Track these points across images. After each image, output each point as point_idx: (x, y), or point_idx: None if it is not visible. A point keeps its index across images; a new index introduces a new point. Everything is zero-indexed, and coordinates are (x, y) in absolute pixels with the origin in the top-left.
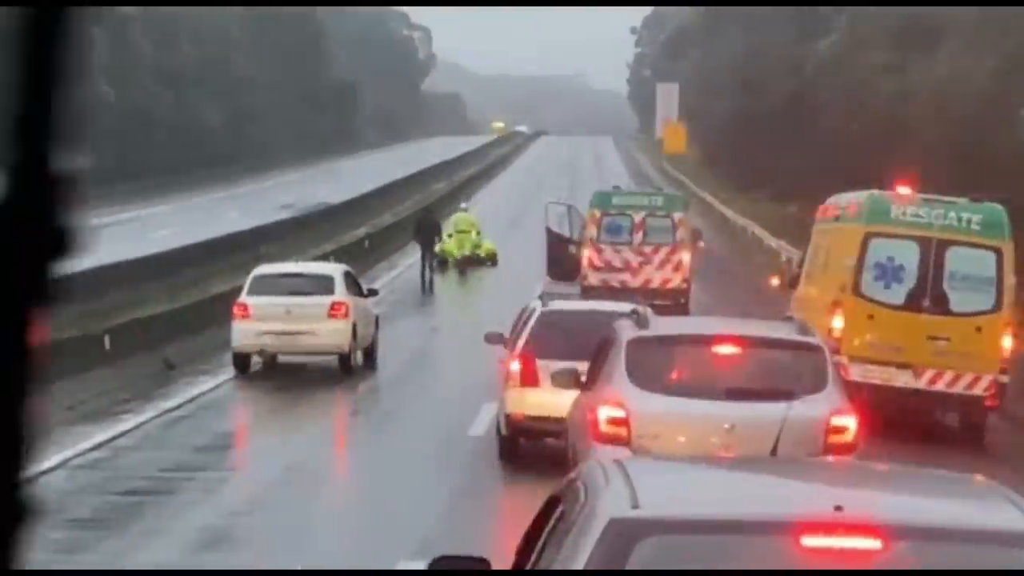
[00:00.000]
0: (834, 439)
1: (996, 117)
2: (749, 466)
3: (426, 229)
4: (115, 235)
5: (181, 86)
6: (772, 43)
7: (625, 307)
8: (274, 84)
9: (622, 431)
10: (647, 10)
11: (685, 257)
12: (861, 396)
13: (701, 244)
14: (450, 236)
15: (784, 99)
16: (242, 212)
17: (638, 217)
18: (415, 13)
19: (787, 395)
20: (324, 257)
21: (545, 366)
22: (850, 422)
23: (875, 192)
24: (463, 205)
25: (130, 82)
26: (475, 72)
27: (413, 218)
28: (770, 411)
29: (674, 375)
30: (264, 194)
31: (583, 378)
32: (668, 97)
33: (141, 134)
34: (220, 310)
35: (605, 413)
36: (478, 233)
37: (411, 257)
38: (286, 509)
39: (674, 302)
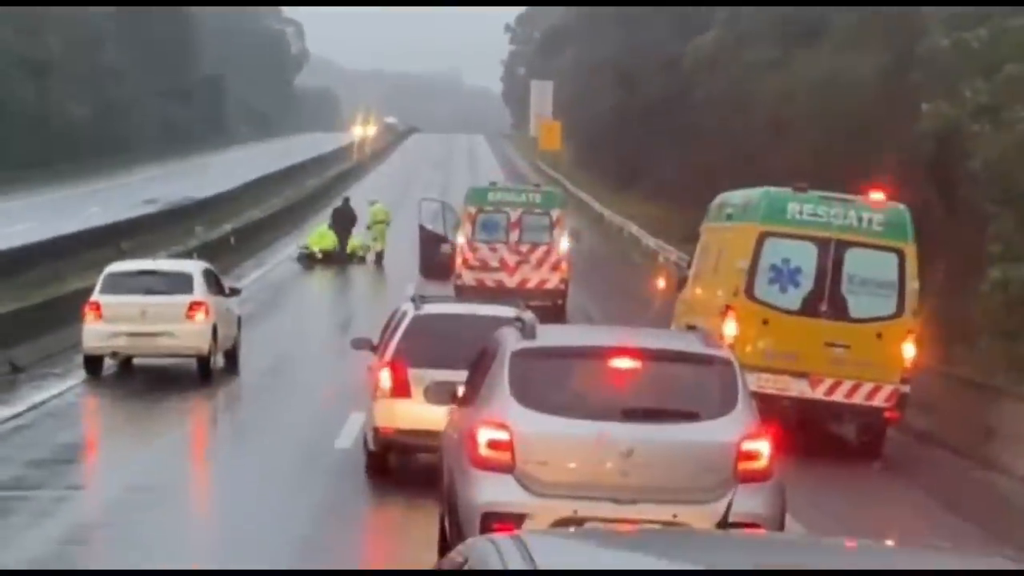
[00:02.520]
0: (746, 465)
1: (891, 114)
2: (690, 549)
3: (342, 219)
4: None
5: (45, 76)
6: (650, 40)
7: (507, 312)
8: (141, 77)
9: (505, 456)
10: (521, 8)
11: (563, 257)
12: None
13: (581, 244)
14: (368, 228)
15: (661, 96)
16: (104, 207)
17: (515, 214)
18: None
19: (693, 416)
20: (188, 254)
21: (418, 375)
22: (763, 447)
23: (770, 189)
24: (371, 198)
25: None
26: (348, 68)
27: (283, 213)
28: (673, 434)
29: (564, 393)
30: (128, 189)
31: (460, 392)
32: (542, 94)
33: (1, 124)
34: (75, 308)
35: (486, 435)
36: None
37: (280, 255)
38: (129, 533)
39: (551, 303)
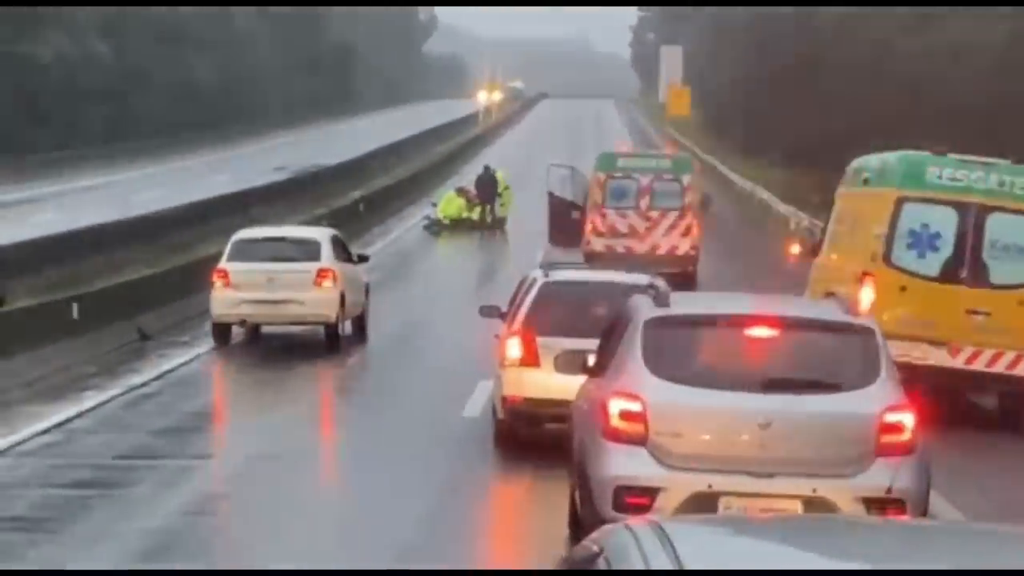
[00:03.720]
0: (888, 438)
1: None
2: (836, 536)
3: (486, 184)
4: (99, 199)
5: (177, 45)
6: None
7: (640, 279)
8: (272, 45)
9: (638, 427)
10: None
11: (694, 223)
12: None
13: (712, 209)
14: (499, 195)
15: (793, 61)
16: (233, 175)
17: (645, 180)
18: None
19: (834, 387)
20: (316, 221)
21: (547, 344)
22: (907, 419)
23: (908, 153)
24: (490, 166)
25: (127, 39)
26: (476, 35)
27: (408, 180)
28: (813, 405)
29: (699, 362)
30: (257, 156)
31: (591, 361)
32: (672, 60)
33: (134, 92)
34: (204, 276)
35: (618, 406)
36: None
37: (408, 221)
38: (253, 503)
39: (682, 270)
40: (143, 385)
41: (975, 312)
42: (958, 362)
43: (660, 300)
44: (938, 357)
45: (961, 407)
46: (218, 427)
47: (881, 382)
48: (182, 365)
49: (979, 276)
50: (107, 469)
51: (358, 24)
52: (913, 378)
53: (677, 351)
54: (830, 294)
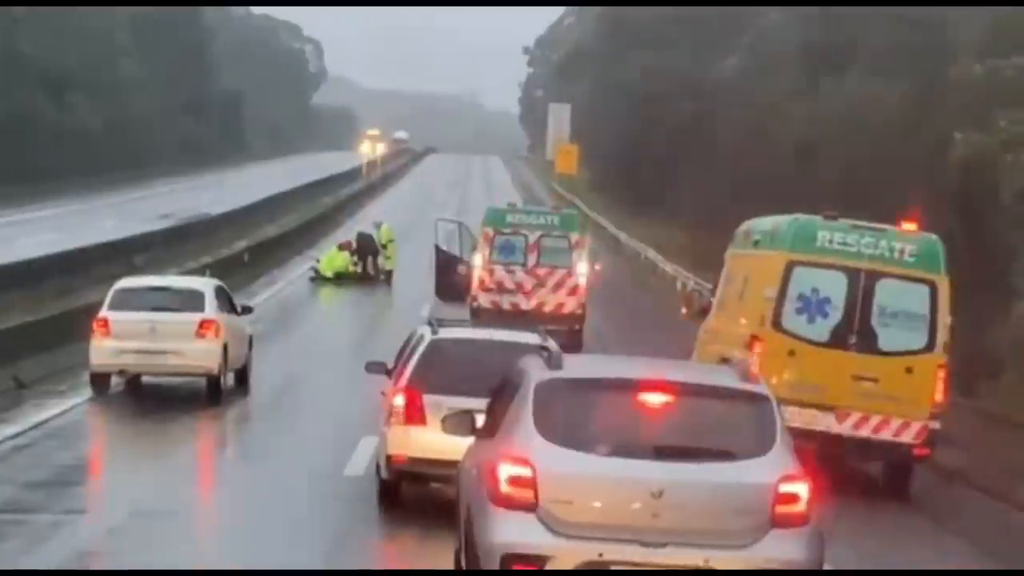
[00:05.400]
0: (783, 509)
1: (919, 142)
2: None
3: (367, 239)
4: None
5: (63, 90)
6: (671, 64)
7: (529, 338)
8: (159, 91)
9: (527, 494)
10: (540, 30)
11: (581, 280)
12: None
13: (597, 267)
14: (384, 247)
15: (681, 121)
16: (119, 221)
17: (533, 237)
18: (307, 26)
19: (728, 455)
20: (201, 271)
21: (434, 402)
22: (802, 489)
23: (799, 216)
24: (377, 220)
25: (12, 83)
26: (366, 87)
27: (296, 231)
28: (707, 474)
29: (592, 428)
30: (144, 203)
31: (480, 422)
32: (560, 117)
33: (20, 137)
34: (84, 324)
35: (507, 471)
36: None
37: (293, 272)
38: (129, 561)
39: (568, 328)
40: (17, 435)
41: (863, 378)
42: (846, 428)
43: (552, 362)
44: (826, 422)
45: (846, 474)
46: (94, 480)
47: (776, 451)
48: (59, 415)
49: (868, 342)
50: None
51: (247, 71)
52: (801, 443)
53: (569, 415)
54: (725, 360)
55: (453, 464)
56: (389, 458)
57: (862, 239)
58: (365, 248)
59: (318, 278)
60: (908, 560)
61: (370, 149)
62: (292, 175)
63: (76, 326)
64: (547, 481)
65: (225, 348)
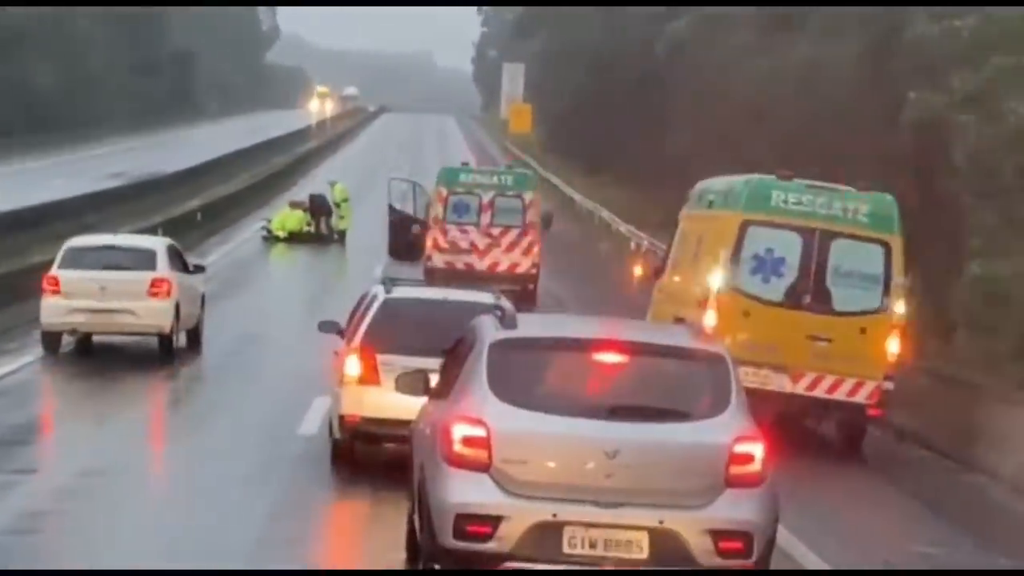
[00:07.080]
0: (738, 469)
1: (873, 102)
2: None
3: (320, 207)
4: None
5: (13, 48)
6: (624, 24)
7: (483, 298)
8: (111, 49)
9: (481, 454)
10: None
11: (535, 241)
12: None
13: (549, 227)
14: (338, 206)
15: (635, 80)
16: (69, 179)
17: (487, 197)
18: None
19: (683, 415)
20: (153, 229)
21: (387, 362)
22: (757, 449)
23: (754, 176)
24: (331, 179)
25: None
26: (318, 47)
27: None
28: (662, 434)
29: (546, 387)
30: (96, 162)
31: (433, 382)
32: (514, 76)
33: None
34: (35, 283)
35: (461, 431)
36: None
37: (246, 232)
38: (79, 522)
39: (522, 288)
40: None
41: (817, 338)
42: (800, 388)
43: (507, 322)
44: (780, 383)
45: (800, 433)
46: (45, 440)
47: (731, 411)
48: (9, 374)
49: (822, 302)
50: None
51: (199, 30)
52: (756, 404)
53: (523, 375)
54: (680, 320)
55: (406, 424)
56: (342, 418)
57: (817, 199)
58: (318, 208)
59: (270, 238)
60: (861, 520)
61: (319, 107)
62: (244, 134)
63: (26, 284)
64: (501, 441)
65: (177, 307)
